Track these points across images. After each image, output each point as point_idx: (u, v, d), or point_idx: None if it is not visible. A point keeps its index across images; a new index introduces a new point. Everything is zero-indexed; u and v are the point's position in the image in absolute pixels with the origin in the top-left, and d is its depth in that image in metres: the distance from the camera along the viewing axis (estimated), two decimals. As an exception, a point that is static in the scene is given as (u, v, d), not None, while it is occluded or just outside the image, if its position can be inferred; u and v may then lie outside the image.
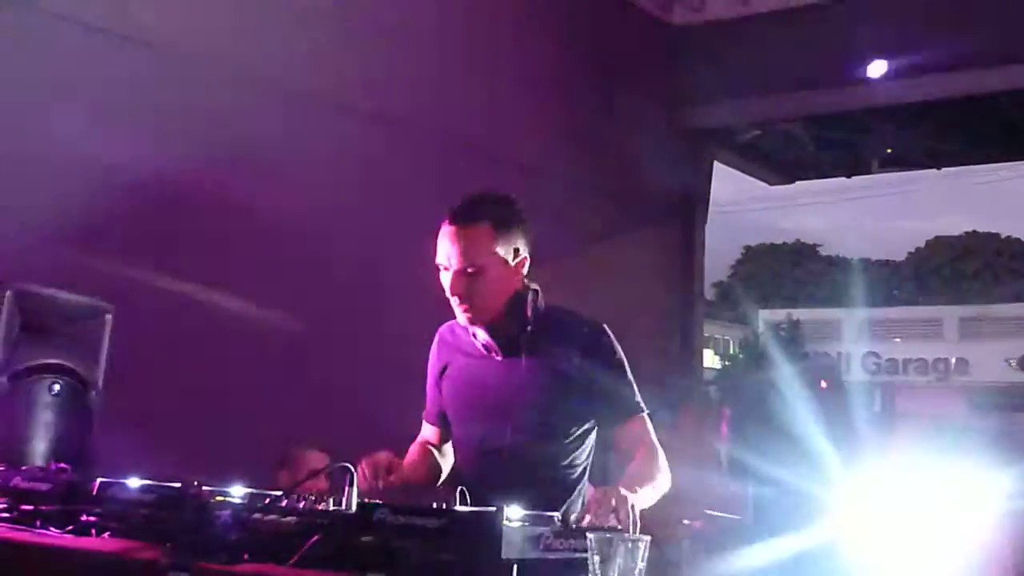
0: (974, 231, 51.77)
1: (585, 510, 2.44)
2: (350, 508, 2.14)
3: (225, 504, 2.28)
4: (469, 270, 2.88)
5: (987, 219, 77.50)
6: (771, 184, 11.87)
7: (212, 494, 2.35)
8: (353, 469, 2.30)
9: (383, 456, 2.81)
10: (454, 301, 2.93)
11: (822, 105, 9.03)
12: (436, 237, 2.92)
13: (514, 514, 2.05)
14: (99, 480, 2.51)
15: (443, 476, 3.16)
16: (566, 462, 2.99)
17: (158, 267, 5.07)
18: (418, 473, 3.07)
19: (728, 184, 11.91)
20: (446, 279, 2.91)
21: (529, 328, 2.93)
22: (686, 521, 1.75)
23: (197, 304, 5.20)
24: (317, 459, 3.67)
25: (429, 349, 3.16)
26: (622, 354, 3.03)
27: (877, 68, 8.20)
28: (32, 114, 4.60)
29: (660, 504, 2.76)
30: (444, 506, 2.12)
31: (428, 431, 3.22)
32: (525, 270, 2.99)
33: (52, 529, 2.44)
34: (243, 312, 5.41)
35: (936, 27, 7.99)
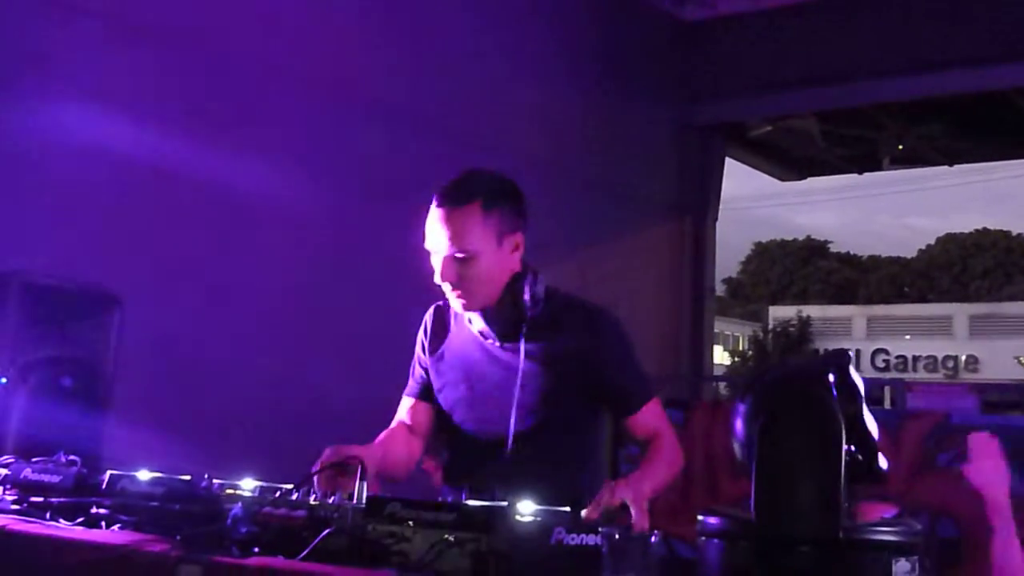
0: (985, 229, 51.74)
1: (596, 504, 2.42)
2: (361, 502, 2.13)
3: (235, 497, 2.27)
4: (459, 255, 2.79)
5: (998, 217, 77.21)
6: (782, 180, 11.85)
7: (222, 487, 2.34)
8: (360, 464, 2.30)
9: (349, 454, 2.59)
10: (446, 288, 2.84)
11: (834, 100, 9.00)
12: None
13: (525, 508, 2.04)
14: (109, 472, 2.50)
15: (418, 459, 3.06)
16: (572, 454, 2.95)
17: (168, 258, 5.06)
18: (396, 464, 2.93)
19: (739, 180, 11.91)
20: (436, 264, 2.82)
21: (528, 314, 2.84)
22: (700, 517, 1.75)
23: (208, 296, 5.19)
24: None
25: None
26: (629, 340, 2.98)
27: None
28: (40, 103, 4.59)
29: (672, 500, 2.75)
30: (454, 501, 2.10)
31: (406, 408, 3.10)
32: (521, 250, 2.89)
33: (62, 521, 2.43)
34: (254, 304, 5.41)
35: (950, 22, 7.96)
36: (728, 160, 10.04)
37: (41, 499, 2.53)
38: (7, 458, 2.77)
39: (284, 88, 5.74)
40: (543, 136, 7.35)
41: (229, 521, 2.15)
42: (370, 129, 6.14)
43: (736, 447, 1.87)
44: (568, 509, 2.10)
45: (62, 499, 2.50)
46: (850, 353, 1.88)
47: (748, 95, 9.13)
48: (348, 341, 5.78)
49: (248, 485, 2.35)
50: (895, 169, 11.49)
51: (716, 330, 11.01)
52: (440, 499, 2.10)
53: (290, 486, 2.29)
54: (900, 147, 10.62)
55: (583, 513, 2.31)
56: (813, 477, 1.73)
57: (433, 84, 6.52)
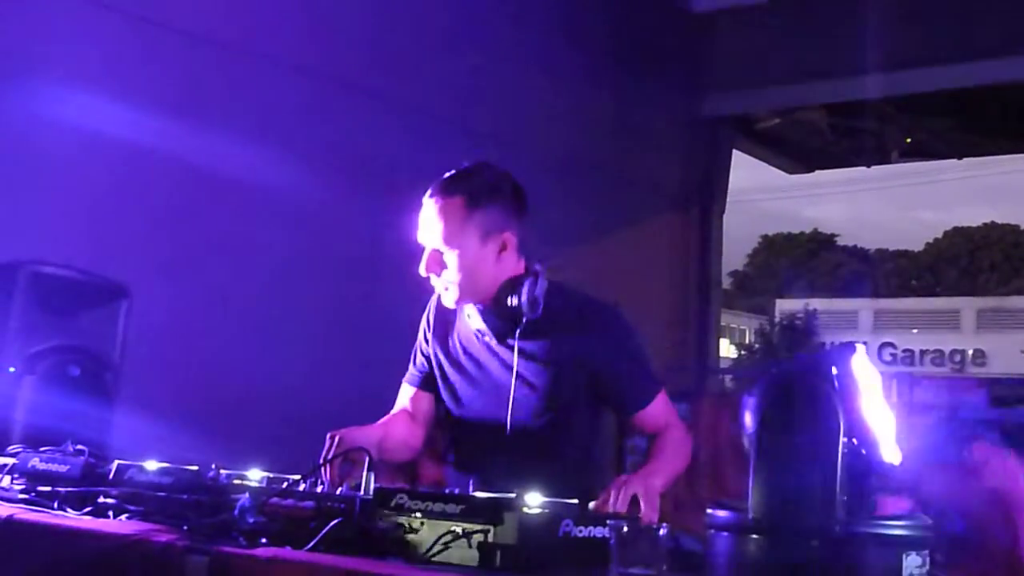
0: (993, 222, 51.63)
1: (604, 497, 2.42)
2: (368, 492, 2.13)
3: (243, 488, 2.27)
4: (441, 248, 2.81)
5: (1006, 210, 77.10)
6: (790, 173, 11.81)
7: (230, 477, 2.35)
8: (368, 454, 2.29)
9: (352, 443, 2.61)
10: (431, 280, 2.86)
11: (842, 93, 8.98)
12: None
13: (533, 500, 2.03)
14: (117, 462, 2.50)
15: (418, 446, 3.07)
16: (574, 449, 2.95)
17: (175, 248, 5.07)
18: (395, 448, 2.94)
19: (746, 172, 11.88)
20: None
21: (525, 317, 2.82)
22: (708, 510, 1.75)
23: (215, 286, 5.19)
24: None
25: None
26: (635, 335, 2.97)
27: None
28: (45, 93, 4.59)
29: (680, 494, 2.75)
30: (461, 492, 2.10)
31: (407, 396, 3.10)
32: (510, 250, 2.87)
33: (69, 511, 2.43)
34: (261, 294, 5.41)
35: (959, 15, 7.93)
36: (735, 153, 10.02)
37: (49, 489, 2.54)
38: (15, 448, 2.78)
39: (292, 81, 5.74)
40: (549, 128, 7.34)
41: (236, 511, 2.15)
42: (377, 122, 6.13)
43: (745, 441, 1.87)
44: (576, 501, 2.10)
45: (70, 489, 2.50)
46: (859, 345, 1.87)
47: (756, 87, 9.11)
48: (355, 330, 5.78)
49: (255, 475, 2.35)
50: (903, 162, 11.46)
51: (722, 323, 11.00)
52: (447, 490, 2.09)
53: (297, 477, 2.29)
54: (908, 140, 10.59)
55: (591, 505, 2.31)
56: (808, 471, 1.73)
57: (441, 77, 6.51)
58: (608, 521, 1.87)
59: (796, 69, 8.77)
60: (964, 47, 7.96)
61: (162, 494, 2.33)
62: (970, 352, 36.89)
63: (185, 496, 2.28)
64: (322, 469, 2.47)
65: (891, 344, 37.08)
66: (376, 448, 2.67)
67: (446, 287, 2.84)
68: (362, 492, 2.14)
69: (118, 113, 4.77)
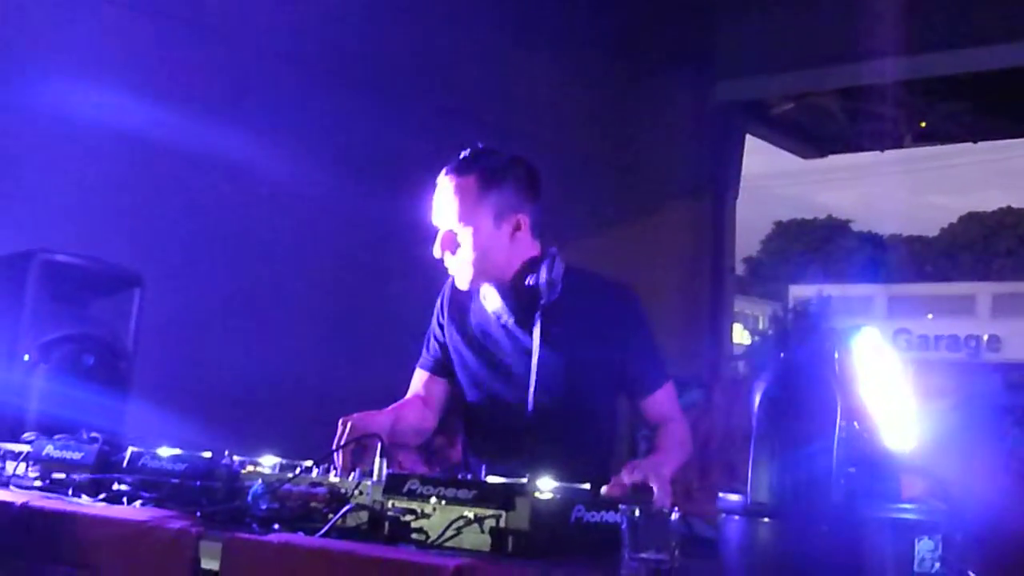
0: (1008, 207, 51.35)
1: (616, 482, 2.42)
2: (380, 479, 2.14)
3: (256, 474, 2.28)
4: (455, 227, 2.81)
5: (1022, 195, 76.69)
6: (803, 158, 11.77)
7: (243, 464, 2.35)
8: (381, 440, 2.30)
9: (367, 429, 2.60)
10: (445, 261, 2.86)
11: (856, 78, 8.94)
12: None
13: (545, 486, 2.04)
14: (130, 449, 2.51)
15: (430, 431, 3.08)
16: (590, 434, 2.95)
17: (189, 239, 5.08)
18: (406, 432, 2.93)
19: (760, 158, 11.84)
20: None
21: (543, 299, 2.82)
22: (721, 494, 1.75)
23: (228, 274, 5.21)
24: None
25: None
26: (650, 321, 2.97)
27: None
28: (61, 86, 4.60)
29: (691, 479, 2.74)
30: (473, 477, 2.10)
31: (420, 381, 3.09)
32: (524, 231, 2.87)
33: (84, 498, 2.45)
34: (274, 283, 5.42)
35: (973, -1, 7.89)
36: (749, 138, 9.99)
37: (63, 476, 2.55)
38: (29, 435, 2.79)
39: (302, 75, 5.74)
40: (562, 114, 7.33)
41: (249, 498, 2.15)
42: (387, 116, 6.12)
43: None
44: (588, 486, 2.10)
45: (84, 476, 2.51)
46: (867, 329, 1.86)
47: (769, 73, 9.07)
48: (367, 318, 5.79)
49: (268, 462, 2.36)
50: (917, 147, 11.41)
51: (736, 309, 10.98)
52: (460, 476, 2.09)
53: (310, 463, 2.29)
54: (922, 124, 10.55)
55: (603, 490, 2.31)
56: (802, 455, 1.73)
57: (450, 67, 6.50)
58: (620, 506, 1.87)
59: (809, 54, 8.72)
60: (979, 30, 7.92)
61: (175, 480, 2.34)
62: (985, 338, 36.78)
63: (198, 482, 2.29)
64: (334, 455, 2.47)
65: (906, 330, 36.98)
66: (388, 434, 2.67)
67: (460, 267, 2.84)
68: (374, 478, 2.15)
69: (131, 105, 4.78)
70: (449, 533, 1.93)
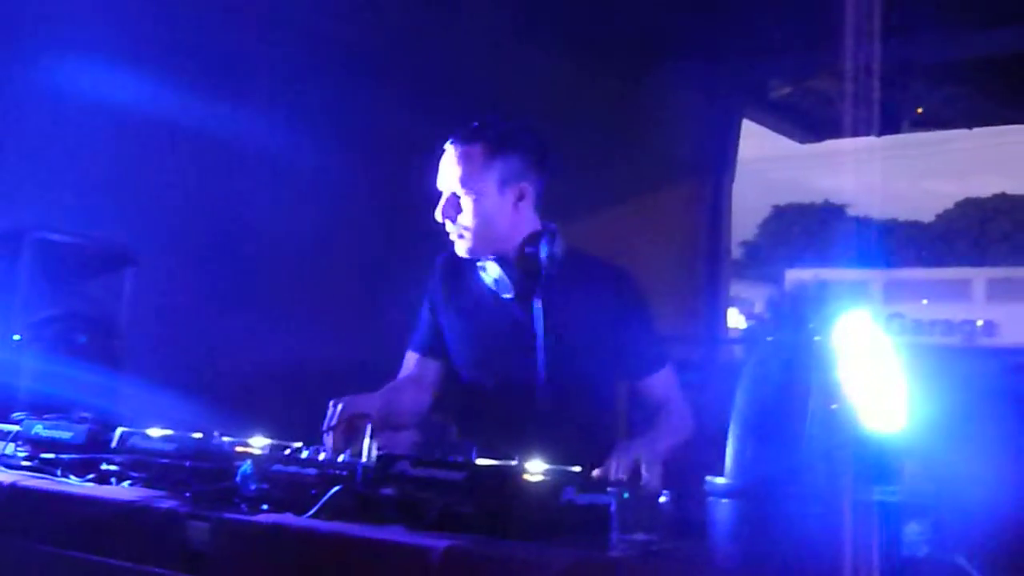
0: (1004, 193, 51.37)
1: (608, 465, 2.42)
2: (371, 460, 2.13)
3: (245, 455, 2.27)
4: (459, 192, 2.82)
5: (1018, 181, 76.63)
6: (800, 142, 11.75)
7: (233, 444, 2.35)
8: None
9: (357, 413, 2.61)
10: (447, 227, 2.86)
11: (853, 62, 8.91)
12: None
13: (535, 468, 2.03)
14: (120, 430, 2.50)
15: (423, 412, 3.06)
16: (587, 412, 2.94)
17: (183, 218, 5.06)
18: (400, 414, 2.91)
19: (756, 142, 11.81)
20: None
21: (544, 271, 2.82)
22: (709, 477, 1.75)
23: (222, 256, 5.19)
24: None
25: None
26: (648, 303, 2.97)
27: None
28: (54, 60, 4.57)
29: (684, 460, 2.74)
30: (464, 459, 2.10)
31: (413, 362, 3.08)
32: (528, 200, 2.89)
33: (73, 478, 2.44)
34: (269, 264, 5.41)
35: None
36: (745, 122, 9.97)
37: (52, 455, 2.54)
38: (19, 415, 2.78)
39: (304, 52, 5.71)
40: (557, 96, 7.30)
41: (239, 478, 2.15)
42: (391, 97, 6.09)
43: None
44: (579, 469, 2.10)
45: (73, 456, 2.51)
46: (853, 312, 1.86)
47: (766, 56, 9.04)
48: (363, 300, 5.78)
49: (258, 443, 2.36)
50: (914, 132, 11.39)
51: (732, 293, 10.97)
52: (449, 457, 2.08)
53: (299, 444, 2.29)
54: (919, 110, 10.53)
55: (595, 472, 2.31)
56: (777, 437, 1.73)
57: (444, 43, 6.47)
58: (609, 488, 1.86)
59: (807, 38, 8.70)
60: (976, 16, 7.89)
61: (165, 461, 2.33)
62: (980, 323, 36.84)
63: (188, 463, 2.29)
64: (324, 436, 2.47)
65: (901, 315, 37.02)
66: (381, 416, 2.67)
67: (460, 234, 2.84)
68: (364, 459, 2.14)
69: (126, 82, 4.76)
70: (439, 515, 1.93)
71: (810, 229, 51.36)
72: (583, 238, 3.10)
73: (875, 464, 1.80)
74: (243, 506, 2.10)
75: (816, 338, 1.78)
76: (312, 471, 2.13)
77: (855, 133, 11.72)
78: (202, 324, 4.98)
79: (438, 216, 2.84)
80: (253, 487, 2.13)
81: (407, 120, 6.03)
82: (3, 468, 2.57)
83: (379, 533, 1.91)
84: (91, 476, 2.43)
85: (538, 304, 2.83)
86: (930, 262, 46.31)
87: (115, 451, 2.45)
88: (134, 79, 4.78)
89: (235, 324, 5.07)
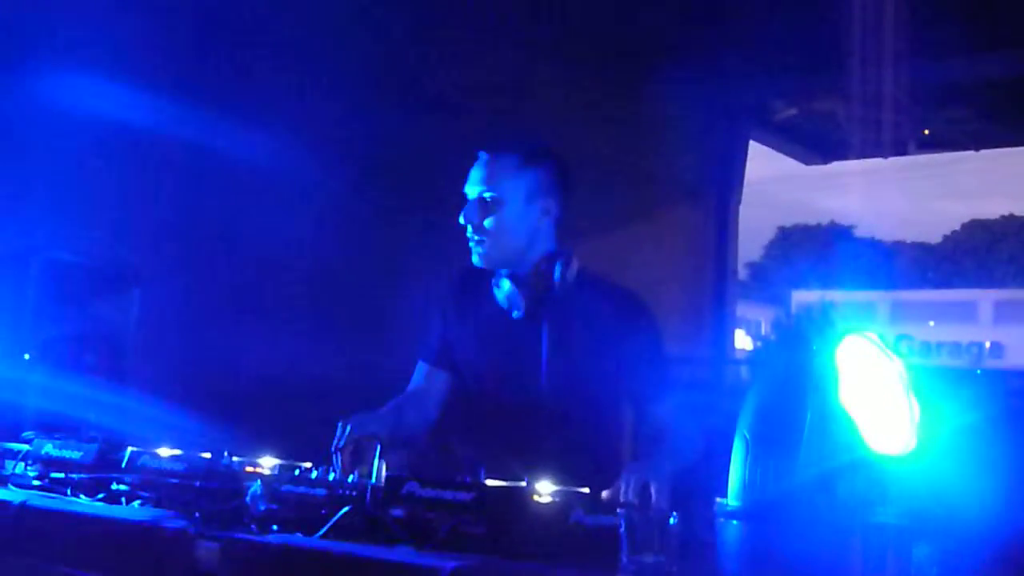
0: (1011, 214, 51.30)
1: (617, 486, 2.42)
2: (379, 480, 2.14)
3: (255, 475, 2.28)
4: (487, 195, 2.84)
5: (1025, 203, 76.51)
6: (807, 164, 11.77)
7: (242, 464, 2.35)
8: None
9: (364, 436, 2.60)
10: (469, 232, 2.87)
11: (860, 84, 8.93)
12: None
13: (544, 489, 2.03)
14: (130, 449, 2.51)
15: (432, 425, 3.06)
16: (596, 435, 2.94)
17: (190, 236, 5.07)
18: (409, 429, 2.92)
19: (763, 163, 11.83)
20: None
21: (557, 292, 2.83)
22: (718, 499, 1.76)
23: (229, 274, 5.20)
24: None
25: None
26: (659, 329, 2.97)
27: None
28: (58, 81, 4.59)
29: (693, 482, 2.74)
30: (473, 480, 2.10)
31: (422, 374, 3.08)
32: (552, 217, 2.91)
33: (83, 497, 2.45)
34: (276, 282, 5.42)
35: (978, 5, 7.88)
36: (752, 143, 9.99)
37: (62, 475, 2.55)
38: (29, 434, 2.79)
39: (308, 71, 5.73)
40: (567, 118, 7.32)
41: (248, 498, 2.15)
42: (393, 114, 6.11)
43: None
44: (587, 490, 2.10)
45: (83, 475, 2.51)
46: (857, 336, 1.86)
47: (773, 78, 9.07)
48: (370, 318, 5.78)
49: (267, 463, 2.36)
50: (921, 154, 11.40)
51: (739, 314, 10.97)
52: (458, 477, 2.09)
53: (309, 464, 2.29)
54: (926, 132, 10.54)
55: (604, 494, 2.31)
56: (776, 455, 1.74)
57: (454, 65, 6.49)
58: (618, 509, 1.86)
59: (813, 59, 8.72)
60: (982, 38, 7.90)
61: (174, 481, 2.34)
62: (987, 345, 36.78)
63: (197, 483, 2.29)
64: (333, 456, 2.47)
65: (908, 336, 36.96)
66: (389, 434, 2.67)
67: (481, 239, 2.85)
68: (373, 479, 2.15)
69: (131, 101, 4.78)
70: (448, 535, 1.93)
71: (816, 250, 51.31)
72: (591, 258, 3.10)
73: (881, 486, 1.81)
74: (253, 526, 2.10)
75: (821, 359, 1.79)
76: (321, 491, 2.14)
77: (862, 155, 11.74)
78: (210, 342, 4.99)
79: (462, 219, 2.87)
80: (263, 507, 2.14)
81: (409, 133, 6.05)
82: (13, 487, 2.58)
83: (388, 554, 1.91)
84: (101, 496, 2.44)
85: (546, 324, 2.84)
86: (937, 283, 46.26)
87: (125, 471, 2.46)
88: (138, 98, 4.80)
89: (243, 342, 5.08)
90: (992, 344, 36.78)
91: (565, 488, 2.06)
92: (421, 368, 3.09)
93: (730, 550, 1.78)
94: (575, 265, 2.89)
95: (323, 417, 2.74)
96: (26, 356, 3.21)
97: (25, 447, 2.70)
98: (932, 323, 37.75)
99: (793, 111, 10.04)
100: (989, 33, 7.88)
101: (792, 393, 1.80)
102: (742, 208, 9.75)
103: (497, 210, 2.84)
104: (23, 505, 2.39)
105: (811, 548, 1.69)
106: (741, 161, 9.71)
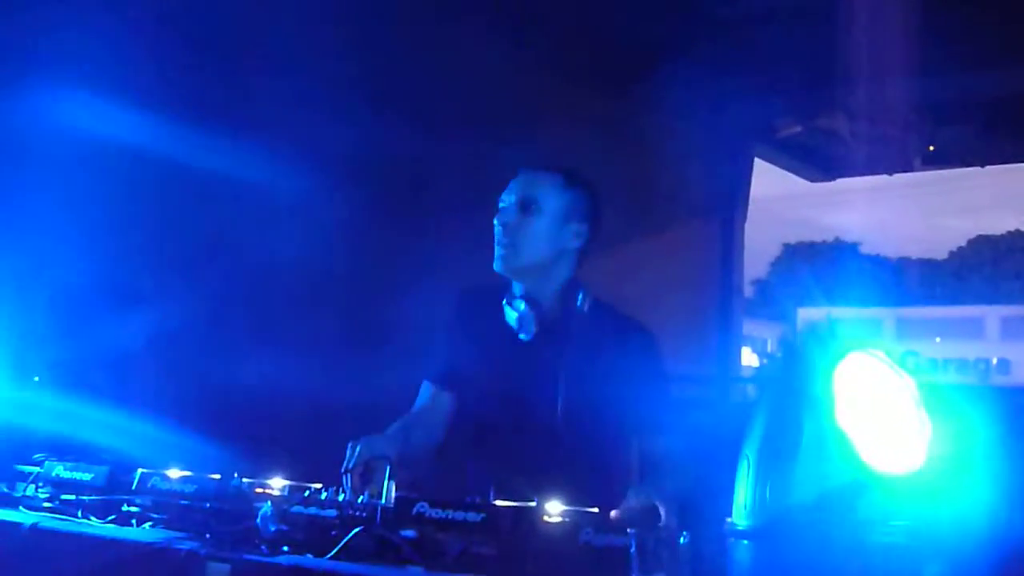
0: (1017, 230, 51.26)
1: (626, 506, 2.42)
2: (389, 501, 2.14)
3: (265, 496, 2.29)
4: (524, 201, 2.87)
5: (1031, 218, 76.35)
6: (812, 181, 11.77)
7: (252, 486, 2.36)
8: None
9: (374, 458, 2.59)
10: (498, 234, 2.88)
11: (865, 101, 8.94)
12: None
13: (553, 509, 2.04)
14: (140, 471, 2.52)
15: (438, 446, 3.05)
16: (601, 459, 2.94)
17: (196, 257, 5.08)
18: (416, 451, 2.87)
19: (768, 180, 11.83)
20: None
21: (573, 322, 2.85)
22: (728, 520, 1.76)
23: (236, 294, 5.21)
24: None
25: None
26: (664, 362, 2.98)
27: None
28: (54, 97, 4.60)
29: (699, 501, 2.74)
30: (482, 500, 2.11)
31: (428, 394, 3.06)
32: (581, 243, 2.94)
33: (93, 519, 2.45)
34: (284, 301, 5.43)
35: (982, 21, 7.89)
36: (757, 161, 10.00)
37: (73, 497, 2.56)
38: (39, 456, 2.80)
39: (297, 79, 5.73)
40: (570, 136, 7.33)
41: (258, 520, 2.16)
42: (393, 128, 6.11)
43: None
44: (596, 510, 2.11)
45: (94, 497, 2.52)
46: (858, 354, 1.87)
47: (778, 95, 9.08)
48: (375, 336, 5.78)
49: (277, 484, 2.37)
50: (926, 170, 11.40)
51: (745, 331, 10.97)
52: (468, 498, 2.09)
53: (319, 485, 2.30)
54: (931, 148, 10.54)
55: (613, 513, 2.31)
56: (782, 473, 1.75)
57: (450, 80, 6.49)
58: (628, 529, 1.87)
59: (818, 77, 8.73)
60: (987, 54, 7.92)
61: (185, 502, 2.35)
62: (994, 361, 36.69)
63: (208, 504, 2.30)
64: (343, 478, 2.48)
65: (915, 353, 36.88)
66: (397, 455, 2.68)
67: (509, 244, 2.86)
68: (383, 500, 2.15)
69: (134, 119, 4.79)
70: (458, 556, 1.94)
71: (822, 267, 51.26)
72: (596, 277, 3.11)
73: (890, 505, 1.81)
74: (263, 547, 2.11)
75: (819, 378, 1.79)
76: (332, 512, 2.15)
77: (867, 171, 11.75)
78: (220, 364, 4.99)
79: (496, 220, 2.88)
80: (273, 528, 2.14)
81: (416, 153, 6.06)
82: (24, 509, 2.59)
83: (399, 574, 1.92)
84: (112, 517, 2.44)
85: (554, 348, 2.85)
86: (943, 300, 46.18)
87: (135, 492, 2.47)
88: (139, 117, 4.82)
89: (252, 363, 5.09)
90: (999, 360, 36.69)
91: (575, 508, 2.07)
92: (426, 388, 3.09)
93: (739, 570, 1.79)
94: (591, 298, 2.91)
95: (331, 436, 2.74)
96: (35, 379, 3.22)
97: (36, 469, 2.71)
98: (938, 339, 37.68)
99: (798, 128, 10.05)
100: (994, 49, 7.89)
101: (791, 412, 1.80)
102: (747, 225, 9.76)
103: (535, 217, 2.87)
104: (34, 527, 2.40)
105: (820, 568, 1.69)
106: (746, 179, 9.73)
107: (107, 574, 2.23)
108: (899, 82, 8.27)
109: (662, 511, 2.43)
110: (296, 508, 2.18)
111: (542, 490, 2.17)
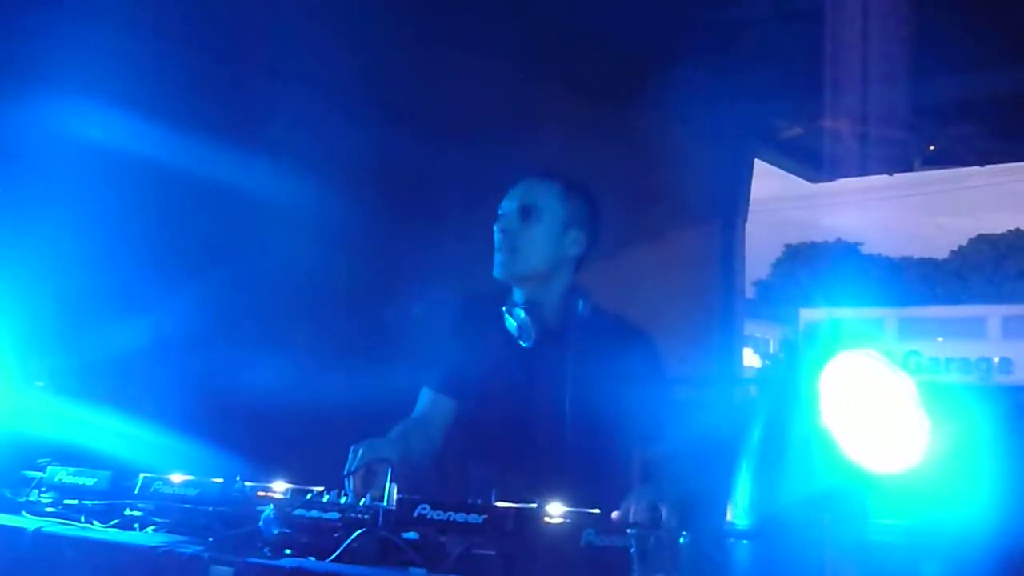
0: (1018, 229, 51.20)
1: (626, 506, 2.43)
2: (391, 504, 2.15)
3: (267, 499, 2.29)
4: (525, 208, 2.88)
5: (1032, 217, 76.33)
6: (813, 182, 11.77)
7: (254, 489, 2.37)
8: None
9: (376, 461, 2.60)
10: (498, 241, 2.89)
11: (865, 101, 8.94)
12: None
13: (555, 510, 2.05)
14: (143, 475, 2.53)
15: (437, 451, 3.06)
16: (603, 460, 2.95)
17: (197, 263, 5.09)
18: (417, 455, 2.90)
19: (769, 181, 11.84)
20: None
21: (573, 330, 2.87)
22: (728, 519, 1.77)
23: (236, 299, 5.21)
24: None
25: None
26: (664, 367, 3.00)
27: None
28: (57, 105, 4.61)
29: (701, 502, 2.74)
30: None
31: (428, 399, 3.07)
32: (579, 251, 2.95)
33: (96, 524, 2.46)
34: (284, 306, 5.44)
35: (983, 21, 7.89)
36: (757, 162, 10.00)
37: (76, 501, 2.57)
38: (43, 460, 2.80)
39: (303, 94, 5.75)
40: (573, 140, 7.34)
41: (261, 523, 2.17)
42: (393, 135, 6.12)
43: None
44: (597, 511, 2.11)
45: (97, 502, 2.53)
46: (852, 354, 1.88)
47: (778, 96, 9.08)
48: (376, 341, 5.79)
49: (279, 487, 2.37)
50: (926, 170, 11.40)
51: (747, 332, 10.97)
52: (469, 500, 2.10)
53: (321, 488, 2.31)
54: (931, 148, 10.54)
55: (614, 514, 2.32)
56: (782, 473, 1.76)
57: (452, 85, 6.50)
58: (629, 530, 1.88)
59: (818, 77, 8.73)
60: (987, 54, 7.92)
61: (188, 506, 2.36)
62: (996, 360, 36.64)
63: (210, 508, 2.31)
64: (345, 481, 2.49)
65: (917, 353, 36.85)
66: (399, 458, 2.68)
67: (509, 249, 2.87)
68: (385, 503, 2.16)
69: (136, 126, 4.79)
70: (460, 557, 1.94)
71: (824, 268, 51.21)
72: (596, 279, 3.12)
73: (887, 504, 1.81)
74: (266, 550, 2.11)
75: (809, 378, 1.80)
76: (334, 515, 2.15)
77: (867, 172, 11.74)
78: (222, 369, 5.00)
79: (497, 225, 2.89)
80: (276, 531, 2.15)
81: (416, 160, 6.06)
82: (27, 514, 2.59)
83: (401, 576, 1.93)
84: (115, 522, 2.45)
85: (555, 355, 2.86)
86: (945, 299, 46.12)
87: (138, 497, 2.48)
88: (141, 124, 4.82)
89: (254, 367, 5.09)
90: (1001, 360, 36.62)
91: (576, 509, 2.07)
92: (426, 394, 3.10)
93: (739, 570, 1.79)
94: (590, 305, 2.93)
95: (333, 439, 2.75)
96: (39, 384, 3.23)
97: (39, 474, 2.72)
98: (940, 339, 37.60)
99: (798, 129, 10.05)
100: (994, 49, 7.89)
101: (790, 412, 1.81)
102: (748, 226, 9.77)
103: (536, 223, 2.88)
104: (37, 532, 2.40)
105: (820, 568, 1.70)
106: (747, 180, 9.72)
107: (111, 578, 2.24)
108: (899, 82, 8.27)
109: (663, 512, 2.44)
110: (298, 511, 2.19)
111: (544, 494, 2.18)
